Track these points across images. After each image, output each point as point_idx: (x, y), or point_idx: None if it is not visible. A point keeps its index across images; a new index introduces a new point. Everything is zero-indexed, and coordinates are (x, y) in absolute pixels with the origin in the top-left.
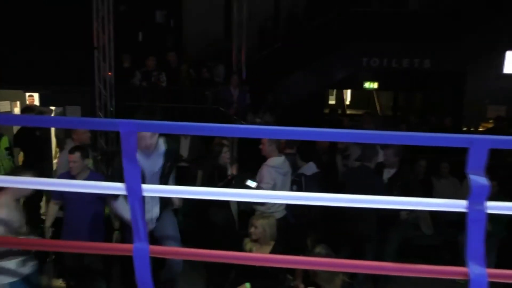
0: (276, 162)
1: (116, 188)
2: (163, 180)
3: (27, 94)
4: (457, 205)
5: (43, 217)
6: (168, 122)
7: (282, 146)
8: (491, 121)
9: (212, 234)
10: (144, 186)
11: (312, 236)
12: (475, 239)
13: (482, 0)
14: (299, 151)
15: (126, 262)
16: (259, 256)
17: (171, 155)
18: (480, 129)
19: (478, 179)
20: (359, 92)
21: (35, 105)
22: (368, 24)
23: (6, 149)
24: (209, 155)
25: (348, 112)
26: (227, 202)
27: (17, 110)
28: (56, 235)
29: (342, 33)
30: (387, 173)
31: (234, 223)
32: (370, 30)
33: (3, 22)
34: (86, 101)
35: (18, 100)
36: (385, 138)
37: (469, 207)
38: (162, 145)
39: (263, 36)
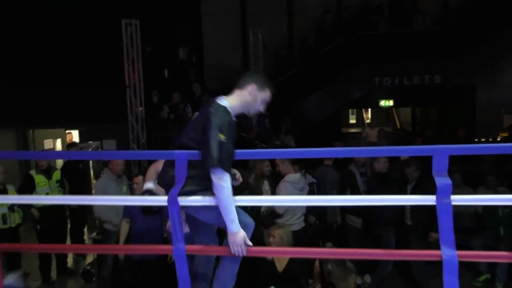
0: (293, 178)
1: (160, 200)
2: None
3: (67, 131)
4: (428, 199)
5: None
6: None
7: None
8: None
9: None
10: (180, 198)
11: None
12: (445, 227)
13: (483, 15)
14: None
15: None
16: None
17: None
18: (498, 139)
19: (442, 179)
20: (378, 110)
21: (75, 141)
22: (376, 46)
23: (57, 181)
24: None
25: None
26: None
27: (58, 146)
28: None
29: (352, 56)
30: (410, 185)
31: (261, 234)
32: (379, 51)
33: (45, 65)
34: (120, 134)
35: (59, 138)
36: (369, 152)
37: (437, 201)
38: None
39: (278, 63)
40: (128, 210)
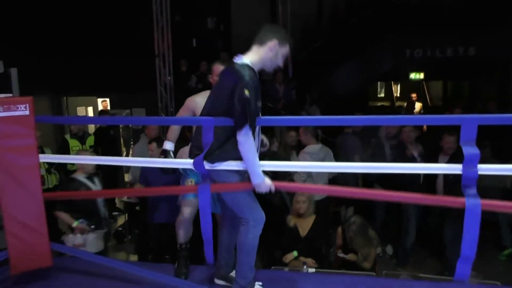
0: (312, 149)
1: (186, 163)
2: None
3: (100, 99)
4: (455, 168)
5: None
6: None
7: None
8: None
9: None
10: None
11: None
12: (470, 188)
13: None
14: None
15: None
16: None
17: None
18: None
19: (470, 149)
20: (407, 83)
21: (107, 109)
22: (408, 16)
23: (91, 146)
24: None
25: (398, 103)
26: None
27: (90, 114)
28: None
29: (383, 26)
30: (444, 158)
31: (286, 204)
32: (411, 22)
33: (77, 36)
34: (149, 103)
35: (91, 106)
36: (388, 121)
37: (463, 169)
38: None
39: (307, 34)
40: (144, 176)
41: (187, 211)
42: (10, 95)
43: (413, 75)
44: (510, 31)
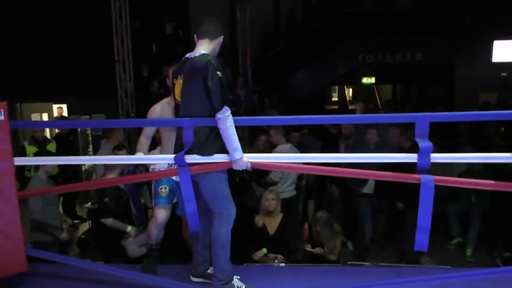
0: (282, 149)
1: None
2: None
3: (56, 105)
4: (410, 157)
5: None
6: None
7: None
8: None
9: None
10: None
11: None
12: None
13: None
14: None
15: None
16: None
17: None
18: None
19: (424, 142)
20: (359, 87)
21: (65, 116)
22: (361, 23)
23: (50, 153)
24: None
25: (350, 107)
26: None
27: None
28: None
29: (337, 33)
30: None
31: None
32: (364, 29)
33: (32, 39)
34: (109, 109)
35: (46, 112)
36: (347, 119)
37: (418, 158)
38: None
39: (265, 40)
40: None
41: (161, 216)
42: None
43: (365, 80)
44: (454, 37)
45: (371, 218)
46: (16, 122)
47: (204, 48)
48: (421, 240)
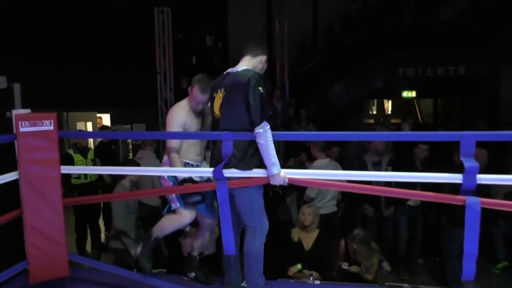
0: (319, 163)
1: (206, 172)
2: None
3: (98, 115)
4: (455, 177)
5: None
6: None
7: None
8: None
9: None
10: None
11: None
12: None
13: (509, 6)
14: None
15: None
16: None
17: None
18: None
19: (470, 161)
20: (399, 101)
21: (106, 125)
22: (401, 36)
23: (91, 160)
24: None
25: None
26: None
27: (89, 129)
28: None
29: (376, 46)
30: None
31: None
32: (404, 42)
33: (80, 52)
34: (149, 119)
35: (90, 121)
36: (393, 136)
37: (463, 179)
38: None
39: (303, 52)
40: None
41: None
42: (28, 110)
43: (405, 93)
44: (498, 50)
45: (406, 226)
46: (64, 132)
47: (245, 63)
48: (469, 268)
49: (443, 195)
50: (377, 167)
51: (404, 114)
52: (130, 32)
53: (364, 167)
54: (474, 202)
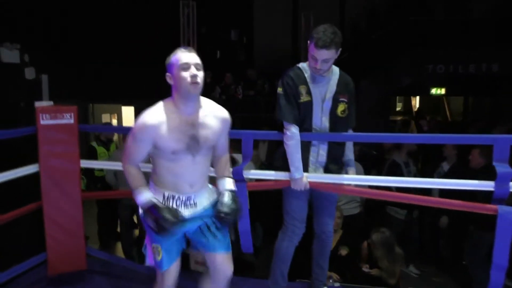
0: None
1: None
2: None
3: (124, 107)
4: (487, 185)
5: None
6: None
7: None
8: None
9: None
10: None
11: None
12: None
13: None
14: None
15: None
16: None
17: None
18: None
19: (503, 167)
20: (427, 98)
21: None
22: (430, 32)
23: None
24: None
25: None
26: None
27: (115, 121)
28: None
29: (404, 42)
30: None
31: None
32: (433, 38)
33: (106, 46)
34: None
35: (115, 113)
36: (424, 139)
37: (495, 187)
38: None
39: None
40: None
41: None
42: (51, 102)
43: (434, 90)
44: None
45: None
46: (83, 126)
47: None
48: (497, 279)
49: (473, 203)
50: (408, 168)
51: (432, 112)
52: (155, 25)
53: (396, 169)
54: (507, 212)
